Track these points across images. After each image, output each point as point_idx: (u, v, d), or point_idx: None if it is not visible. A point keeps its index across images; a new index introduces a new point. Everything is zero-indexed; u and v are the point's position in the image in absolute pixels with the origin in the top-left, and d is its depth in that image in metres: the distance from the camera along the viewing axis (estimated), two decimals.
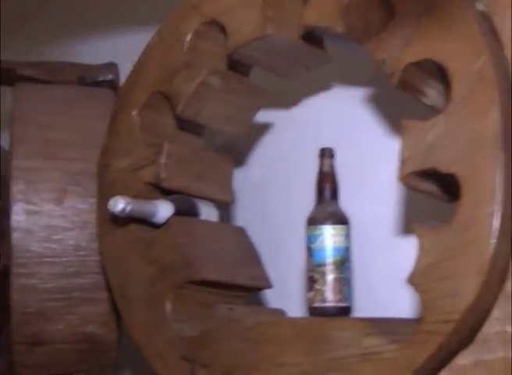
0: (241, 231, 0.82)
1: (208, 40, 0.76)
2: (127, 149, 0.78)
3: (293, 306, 0.85)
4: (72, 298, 0.86)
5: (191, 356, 0.71)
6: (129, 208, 0.71)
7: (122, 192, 0.76)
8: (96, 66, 0.99)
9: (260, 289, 0.81)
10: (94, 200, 0.86)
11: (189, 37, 0.76)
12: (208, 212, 0.80)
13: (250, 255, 0.81)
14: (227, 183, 0.82)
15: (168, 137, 0.79)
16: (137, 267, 0.76)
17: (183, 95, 0.76)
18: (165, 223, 0.76)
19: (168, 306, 0.74)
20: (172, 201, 0.77)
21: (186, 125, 0.81)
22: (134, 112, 0.78)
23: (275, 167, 0.93)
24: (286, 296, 0.89)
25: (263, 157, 0.94)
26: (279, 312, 0.78)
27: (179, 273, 0.74)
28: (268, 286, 0.80)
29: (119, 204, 0.71)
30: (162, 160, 0.76)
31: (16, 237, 0.85)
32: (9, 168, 0.87)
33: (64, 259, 0.85)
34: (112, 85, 0.99)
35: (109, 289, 0.86)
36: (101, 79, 0.98)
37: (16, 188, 0.85)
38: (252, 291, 0.80)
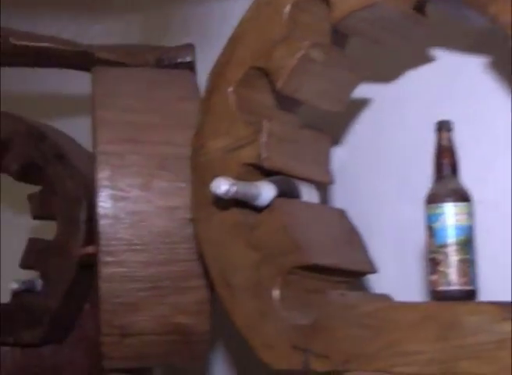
0: (342, 213, 0.77)
1: (308, 11, 0.71)
2: (223, 129, 0.73)
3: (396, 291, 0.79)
4: (162, 287, 0.81)
5: (304, 345, 0.66)
6: (233, 189, 0.66)
7: (220, 174, 0.70)
8: (174, 47, 0.95)
9: (365, 274, 0.75)
10: (182, 184, 0.81)
11: (288, 8, 0.70)
12: (309, 194, 0.75)
13: (353, 238, 0.75)
14: (325, 163, 0.77)
15: (265, 115, 0.73)
16: (240, 253, 0.71)
17: (283, 70, 0.70)
18: (267, 206, 0.71)
19: (276, 293, 0.68)
20: (274, 182, 0.71)
21: (281, 102, 0.75)
22: (230, 90, 0.73)
23: (379, 145, 0.87)
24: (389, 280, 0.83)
25: (359, 136, 0.89)
26: (387, 298, 0.73)
27: (287, 258, 0.68)
28: (374, 270, 0.74)
29: (222, 185, 0.66)
30: (263, 139, 0.71)
31: (102, 224, 0.80)
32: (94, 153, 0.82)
33: (152, 247, 0.80)
34: (190, 67, 0.94)
35: (201, 277, 0.81)
36: (179, 60, 0.93)
37: (102, 174, 0.80)
38: (356, 275, 0.75)
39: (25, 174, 1.14)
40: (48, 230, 1.13)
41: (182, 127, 0.83)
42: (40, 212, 1.11)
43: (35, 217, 1.12)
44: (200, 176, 0.73)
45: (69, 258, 1.08)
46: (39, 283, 1.11)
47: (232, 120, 0.72)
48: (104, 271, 0.79)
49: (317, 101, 0.74)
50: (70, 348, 1.15)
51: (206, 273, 0.81)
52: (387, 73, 0.86)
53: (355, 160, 0.89)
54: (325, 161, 0.77)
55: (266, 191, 0.70)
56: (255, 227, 0.70)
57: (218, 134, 0.73)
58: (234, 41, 0.74)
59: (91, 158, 1.12)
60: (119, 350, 0.83)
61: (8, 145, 1.12)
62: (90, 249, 0.96)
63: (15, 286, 1.08)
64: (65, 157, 1.10)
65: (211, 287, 0.81)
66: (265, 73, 0.72)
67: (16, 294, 1.11)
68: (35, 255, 1.11)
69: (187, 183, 0.81)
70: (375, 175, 0.88)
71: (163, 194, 0.81)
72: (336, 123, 0.89)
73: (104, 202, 0.79)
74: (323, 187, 0.80)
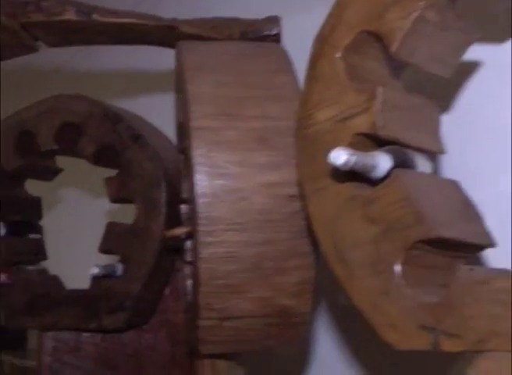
0: (456, 184, 0.71)
1: None
2: (332, 97, 0.67)
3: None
4: (264, 267, 0.77)
5: (432, 325, 0.61)
6: (352, 160, 0.61)
7: (330, 145, 0.65)
8: (259, 20, 0.89)
9: (484, 247, 0.70)
10: (280, 159, 0.76)
11: None
12: (423, 165, 0.69)
13: (470, 210, 0.70)
14: (436, 132, 0.71)
15: (376, 82, 0.68)
16: (356, 228, 0.65)
17: (397, 33, 0.65)
18: (383, 178, 0.65)
19: (399, 270, 0.63)
20: (389, 152, 0.66)
21: (391, 67, 0.70)
22: (338, 55, 0.68)
23: (485, 113, 0.82)
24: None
25: (464, 103, 0.83)
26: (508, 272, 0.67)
27: (409, 232, 0.63)
28: (493, 244, 0.68)
29: (342, 156, 0.61)
30: (378, 107, 0.65)
31: (201, 203, 0.75)
32: (187, 130, 0.77)
33: (253, 225, 0.76)
34: (277, 39, 0.89)
35: (303, 256, 0.76)
36: (265, 33, 0.88)
37: (198, 151, 0.76)
38: (475, 250, 0.69)
39: (101, 158, 1.10)
40: (127, 213, 1.09)
41: (278, 100, 0.78)
42: (118, 195, 1.07)
43: (113, 200, 1.08)
44: (308, 148, 0.68)
45: (151, 242, 1.04)
46: (119, 268, 1.07)
47: (342, 88, 0.67)
48: (204, 252, 0.75)
49: (429, 65, 0.69)
50: (151, 334, 1.11)
51: (312, 251, 0.77)
52: (498, 34, 0.80)
53: (459, 129, 0.83)
54: (435, 129, 0.71)
55: (383, 162, 0.65)
56: (373, 200, 0.65)
57: (327, 104, 0.67)
58: (341, 4, 0.68)
59: (168, 140, 1.08)
60: (217, 334, 0.79)
61: (83, 129, 1.09)
62: (176, 231, 0.91)
63: (95, 271, 1.04)
64: (142, 138, 1.06)
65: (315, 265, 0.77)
66: (376, 37, 0.67)
67: (95, 280, 1.07)
68: (114, 239, 1.07)
69: (286, 157, 0.77)
70: (480, 144, 0.82)
71: (262, 170, 0.76)
72: (440, 89, 0.84)
73: (202, 180, 0.75)
74: (433, 157, 0.75)
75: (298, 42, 0.89)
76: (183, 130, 0.82)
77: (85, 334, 1.11)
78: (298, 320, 0.78)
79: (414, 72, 0.72)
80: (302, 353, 1.04)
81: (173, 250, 1.09)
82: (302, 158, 0.69)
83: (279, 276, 0.76)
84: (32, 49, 0.95)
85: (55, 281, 1.19)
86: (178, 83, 0.87)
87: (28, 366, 2.65)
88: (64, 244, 1.32)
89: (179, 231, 0.91)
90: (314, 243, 0.76)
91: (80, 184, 1.37)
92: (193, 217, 0.75)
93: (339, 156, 0.61)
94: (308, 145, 0.68)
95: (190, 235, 0.92)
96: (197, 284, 0.75)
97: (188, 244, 0.97)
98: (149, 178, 1.04)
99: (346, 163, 0.61)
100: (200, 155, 0.74)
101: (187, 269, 0.98)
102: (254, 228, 0.74)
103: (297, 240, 0.75)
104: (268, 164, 0.75)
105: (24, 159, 1.13)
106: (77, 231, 1.35)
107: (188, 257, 0.96)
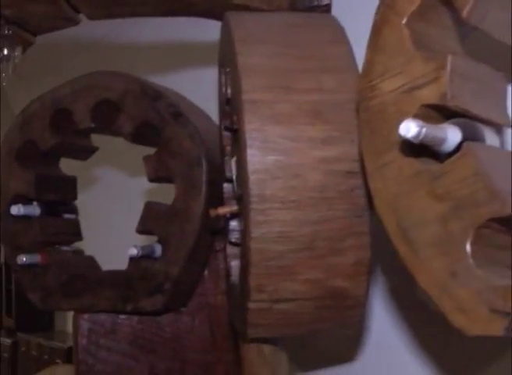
0: None
1: None
2: (398, 67, 0.63)
3: None
4: (318, 247, 0.72)
5: (506, 309, 0.56)
6: (423, 132, 0.57)
7: (396, 117, 0.61)
8: None
9: None
10: (336, 133, 0.72)
11: None
12: (492, 139, 0.65)
13: None
14: (504, 104, 0.67)
15: (444, 50, 0.63)
16: (422, 205, 0.61)
17: None
18: (452, 152, 0.61)
19: (470, 250, 0.59)
20: (459, 125, 0.61)
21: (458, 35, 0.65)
22: (403, 23, 0.63)
23: None
24: None
25: None
26: None
27: (481, 209, 0.59)
28: None
29: (412, 128, 0.56)
30: (447, 76, 0.61)
31: (253, 180, 0.71)
32: (238, 104, 0.73)
33: (308, 203, 0.71)
34: (327, 10, 0.84)
35: (360, 235, 0.72)
36: (314, 4, 0.84)
37: (250, 125, 0.71)
38: None
39: (139, 136, 1.06)
40: (166, 193, 1.05)
41: (333, 72, 0.74)
42: (157, 174, 1.03)
43: (151, 180, 1.04)
44: (371, 121, 0.63)
45: (191, 222, 1.00)
46: (158, 249, 1.03)
47: (408, 57, 0.63)
48: (256, 231, 0.70)
49: (498, 32, 0.64)
50: (190, 317, 1.07)
51: (368, 231, 0.72)
52: None
53: None
54: (502, 101, 0.66)
55: (452, 135, 0.61)
56: (441, 175, 0.60)
57: (392, 74, 0.63)
58: None
59: (208, 118, 1.04)
60: (267, 317, 0.75)
61: (120, 106, 1.04)
62: (222, 210, 0.87)
63: (134, 252, 1.01)
64: (182, 116, 1.02)
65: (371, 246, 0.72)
66: (445, 2, 0.62)
67: (133, 261, 1.04)
68: (153, 219, 1.03)
69: (342, 132, 0.72)
70: None
71: (317, 145, 0.71)
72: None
73: (254, 156, 0.70)
74: (500, 130, 0.70)
75: (347, 12, 0.84)
76: (230, 104, 0.78)
77: (121, 316, 1.07)
78: (352, 303, 0.74)
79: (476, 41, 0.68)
80: (354, 336, 1.00)
81: (214, 230, 1.05)
82: (364, 132, 0.64)
83: (334, 256, 0.71)
84: (73, 22, 0.91)
85: (91, 262, 1.15)
86: (223, 56, 0.83)
87: (55, 347, 2.64)
88: (99, 224, 1.28)
89: (225, 210, 0.87)
90: (371, 222, 0.72)
91: (116, 164, 1.32)
92: (243, 195, 0.71)
93: (410, 128, 0.56)
94: (371, 118, 0.64)
95: (235, 215, 0.88)
96: (246, 265, 0.71)
97: (232, 224, 0.93)
98: (189, 157, 1.00)
99: (416, 135, 0.56)
100: (252, 129, 0.69)
101: (231, 250, 0.94)
102: (308, 206, 0.70)
103: (353, 218, 0.70)
104: (323, 139, 0.70)
105: (60, 138, 1.09)
106: (113, 211, 1.30)
107: (233, 237, 0.92)
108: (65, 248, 1.13)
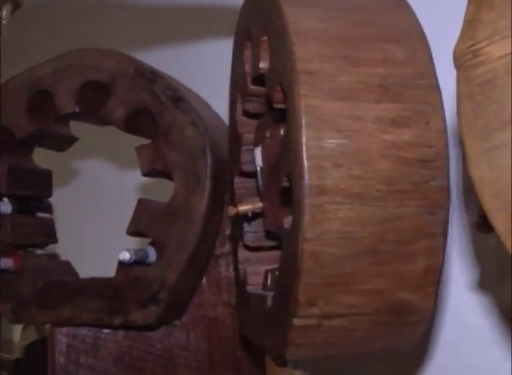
0: None
1: None
2: (508, 28, 0.49)
3: None
4: (383, 251, 0.58)
5: None
6: None
7: (510, 89, 0.48)
8: None
9: None
10: (408, 113, 0.58)
11: None
12: None
13: None
14: None
15: None
16: None
17: None
18: None
19: None
20: None
21: None
22: None
23: None
24: None
25: None
26: None
27: None
28: None
29: None
30: None
31: (310, 168, 0.56)
32: (289, 76, 0.58)
33: (375, 197, 0.57)
34: None
35: (432, 237, 0.58)
36: None
37: (306, 101, 0.57)
38: None
39: (133, 123, 0.90)
40: (161, 189, 0.90)
41: (400, 41, 0.60)
42: (153, 167, 0.88)
43: (146, 174, 0.89)
44: (474, 95, 0.50)
45: (192, 223, 0.85)
46: (152, 253, 0.88)
47: None
48: (312, 231, 0.56)
49: None
50: (184, 331, 0.92)
51: (443, 232, 0.58)
52: None
53: None
54: None
55: None
56: None
57: (503, 35, 0.49)
58: None
59: (208, 105, 0.89)
60: (313, 336, 0.60)
61: (111, 89, 0.89)
62: (243, 207, 0.72)
63: (126, 256, 0.85)
64: (183, 100, 0.87)
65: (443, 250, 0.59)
66: None
67: (122, 267, 0.88)
68: (147, 219, 0.88)
69: (415, 112, 0.58)
70: None
71: (387, 127, 0.57)
72: None
73: (312, 138, 0.56)
74: None
75: None
76: (268, 81, 0.63)
77: (105, 331, 0.91)
78: (415, 319, 0.60)
79: None
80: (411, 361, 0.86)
81: (216, 232, 0.90)
82: (464, 109, 0.50)
83: (401, 263, 0.57)
84: None
85: (68, 268, 0.99)
86: (249, 25, 0.68)
87: (1, 359, 2.42)
88: (76, 225, 1.11)
89: (246, 208, 0.72)
90: (446, 221, 0.58)
91: (101, 155, 1.15)
92: (293, 188, 0.56)
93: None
94: (474, 91, 0.50)
95: (257, 214, 0.74)
96: (293, 274, 0.56)
97: (246, 225, 0.78)
98: (192, 147, 0.85)
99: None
100: (309, 106, 0.55)
101: (243, 255, 0.80)
102: (374, 201, 0.56)
103: (425, 216, 0.56)
104: (392, 119, 0.56)
105: (37, 124, 0.93)
106: (92, 210, 1.13)
107: (248, 240, 0.78)
108: (39, 251, 0.96)
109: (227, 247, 0.91)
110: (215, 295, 0.91)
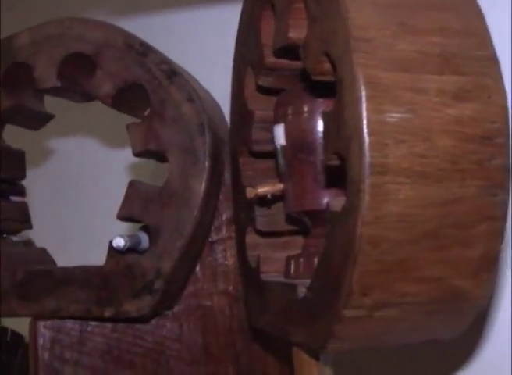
0: None
1: None
2: None
3: None
4: (443, 236, 0.53)
5: None
6: None
7: None
8: None
9: None
10: (470, 86, 0.53)
11: None
12: None
13: None
14: None
15: None
16: None
17: None
18: None
19: None
20: None
21: None
22: None
23: None
24: None
25: None
26: None
27: None
28: None
29: None
30: None
31: (371, 144, 0.51)
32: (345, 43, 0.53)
33: (437, 177, 0.52)
34: None
35: (491, 220, 0.54)
36: None
37: (366, 71, 0.51)
38: None
39: (122, 99, 0.83)
40: (154, 169, 0.83)
41: (455, 9, 0.55)
42: (146, 147, 0.81)
43: (138, 154, 0.82)
44: None
45: (190, 206, 0.79)
46: (144, 240, 0.81)
47: None
48: (371, 214, 0.51)
49: None
50: (177, 322, 0.86)
51: (504, 214, 0.54)
52: None
53: None
54: None
55: None
56: None
57: None
58: None
59: (198, 82, 0.84)
60: (362, 328, 0.55)
61: (97, 61, 0.81)
62: (263, 189, 0.66)
63: (121, 243, 0.78)
64: (178, 75, 0.80)
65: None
66: None
67: (113, 254, 0.81)
68: (140, 203, 0.81)
69: (476, 86, 0.54)
70: None
71: (449, 101, 0.52)
72: None
73: (373, 112, 0.50)
74: None
75: None
76: (306, 49, 0.57)
77: (92, 323, 0.84)
78: (468, 307, 0.56)
79: None
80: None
81: (212, 216, 0.84)
82: None
83: (459, 247, 0.53)
84: None
85: (44, 256, 0.91)
86: None
87: None
88: (52, 209, 1.02)
89: (266, 189, 0.66)
90: (507, 203, 0.54)
91: (78, 134, 1.05)
92: (348, 166, 0.51)
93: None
94: None
95: (277, 196, 0.68)
96: (346, 260, 0.51)
97: (257, 208, 0.73)
98: (189, 125, 0.79)
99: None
100: (369, 76, 0.49)
101: (254, 240, 0.74)
102: (437, 181, 0.51)
103: (487, 198, 0.52)
104: (454, 93, 0.52)
105: (13, 100, 0.84)
106: (71, 194, 1.04)
107: (260, 225, 0.72)
108: (14, 238, 0.88)
109: (224, 232, 0.85)
110: (210, 283, 0.85)
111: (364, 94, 0.50)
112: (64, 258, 0.88)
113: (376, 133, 0.50)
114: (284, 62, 0.65)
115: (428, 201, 0.52)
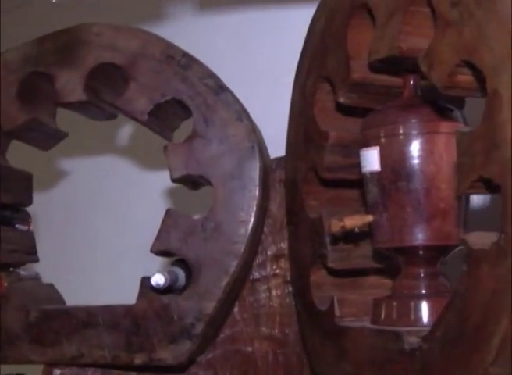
0: None
1: None
2: None
3: None
4: None
5: None
6: None
7: None
8: None
9: None
10: None
11: None
12: None
13: None
14: None
15: None
16: None
17: None
18: None
19: None
20: None
21: None
22: None
23: None
24: None
25: None
26: None
27: None
28: None
29: None
30: None
31: None
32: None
33: None
34: None
35: None
36: None
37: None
38: None
39: (158, 116, 0.73)
40: (193, 196, 0.73)
41: None
42: (186, 171, 0.70)
43: (177, 179, 0.71)
44: None
45: (236, 241, 0.70)
46: (181, 276, 0.71)
47: None
48: None
49: None
50: (211, 369, 0.76)
51: None
52: None
53: None
54: None
55: None
56: None
57: None
58: None
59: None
60: None
61: (130, 74, 0.71)
62: (349, 222, 0.57)
63: (161, 281, 0.67)
64: (226, 91, 0.71)
65: None
66: None
67: (145, 294, 0.70)
68: (178, 234, 0.70)
69: None
70: None
71: None
72: None
73: None
74: None
75: None
76: (434, 59, 0.49)
77: (115, 372, 0.72)
78: None
79: None
80: None
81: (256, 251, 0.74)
82: None
83: None
84: None
85: (53, 293, 0.79)
86: None
87: None
88: (60, 240, 0.89)
89: (354, 222, 0.57)
90: None
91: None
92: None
93: None
94: None
95: (364, 230, 0.59)
96: (497, 307, 0.42)
97: (328, 243, 0.64)
98: (237, 147, 0.69)
99: None
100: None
101: (319, 279, 0.65)
102: None
103: None
104: None
105: (31, 114, 0.73)
106: (86, 221, 0.91)
107: (331, 262, 0.63)
108: (22, 272, 0.76)
109: (268, 269, 0.75)
110: (250, 326, 0.75)
111: None
112: (73, 295, 0.77)
113: None
114: (373, 77, 0.57)
115: None
